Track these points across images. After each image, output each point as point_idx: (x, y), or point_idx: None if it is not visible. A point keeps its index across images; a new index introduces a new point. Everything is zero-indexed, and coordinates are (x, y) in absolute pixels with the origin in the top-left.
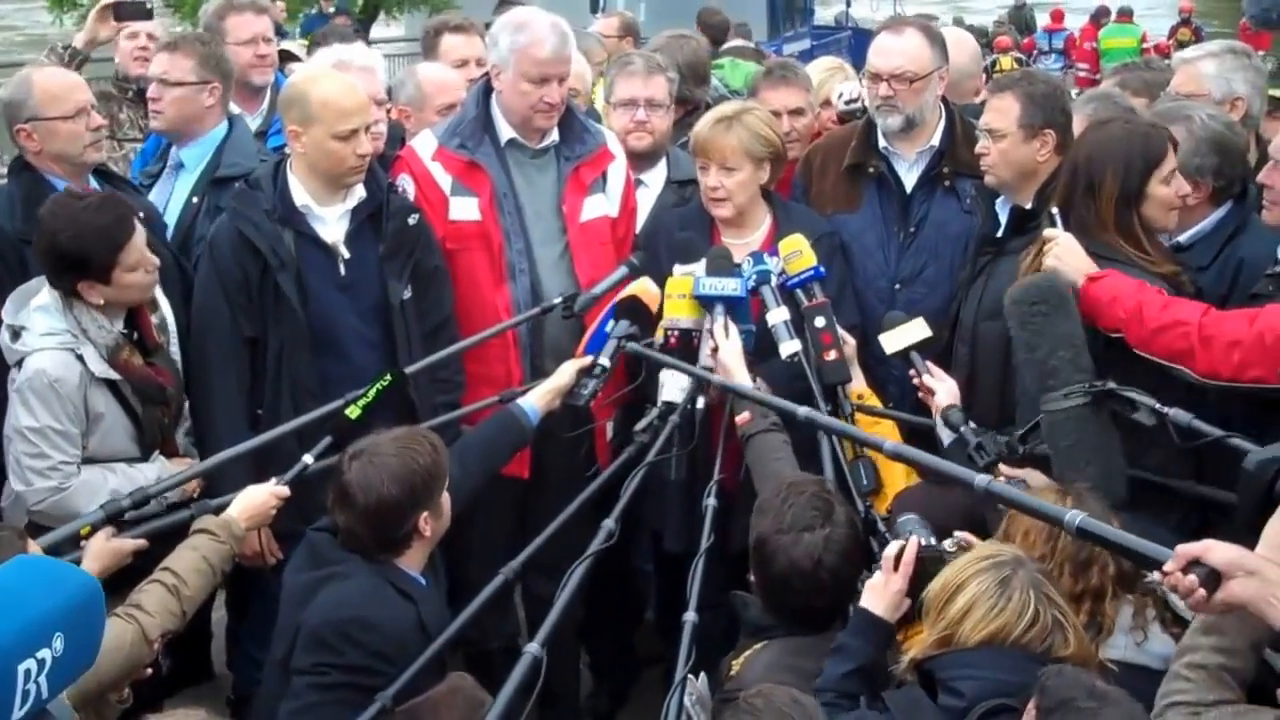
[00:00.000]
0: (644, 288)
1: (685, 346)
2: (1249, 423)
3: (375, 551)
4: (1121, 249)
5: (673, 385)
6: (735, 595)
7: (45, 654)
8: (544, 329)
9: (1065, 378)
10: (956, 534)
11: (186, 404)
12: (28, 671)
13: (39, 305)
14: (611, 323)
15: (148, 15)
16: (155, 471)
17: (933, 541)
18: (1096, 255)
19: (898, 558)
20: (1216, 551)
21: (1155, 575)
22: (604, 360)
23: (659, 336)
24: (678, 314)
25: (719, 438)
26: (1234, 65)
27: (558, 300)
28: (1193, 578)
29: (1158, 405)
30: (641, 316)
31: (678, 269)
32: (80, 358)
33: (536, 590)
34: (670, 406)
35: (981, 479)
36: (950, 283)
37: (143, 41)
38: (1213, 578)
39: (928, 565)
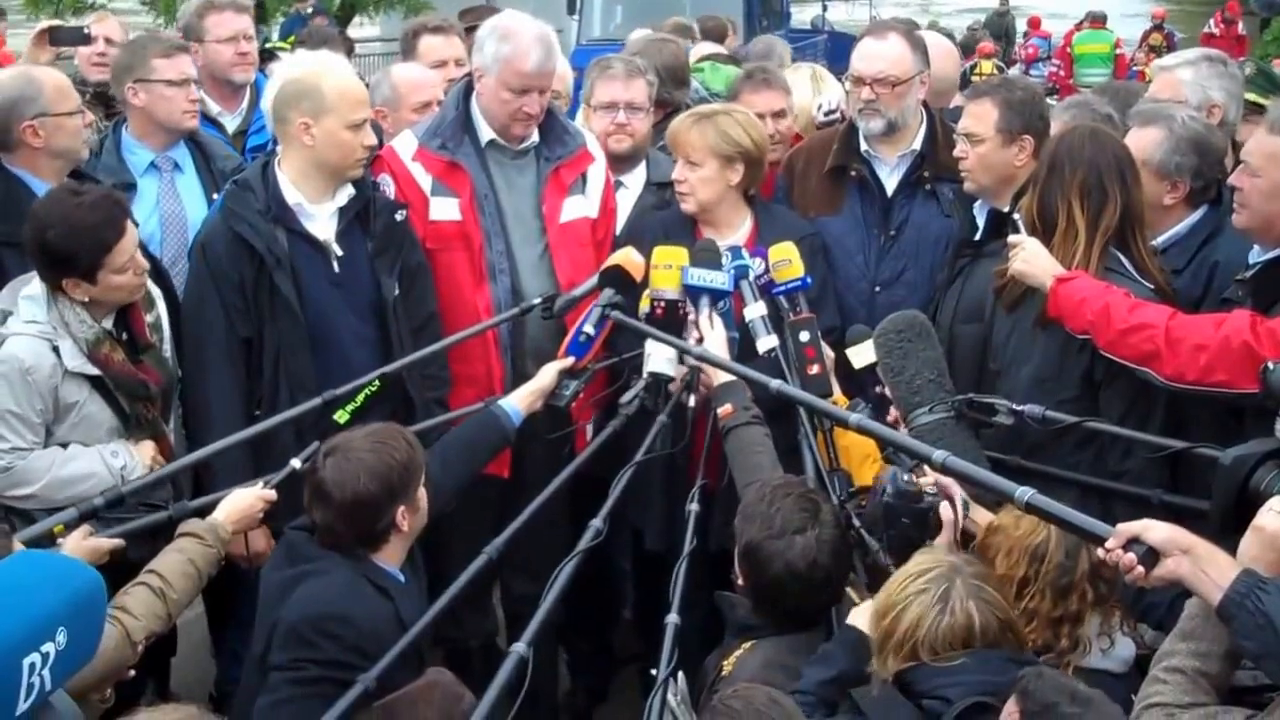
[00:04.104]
0: (628, 257)
1: (670, 317)
2: (1217, 428)
3: (352, 547)
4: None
5: (659, 356)
6: (721, 596)
7: (49, 648)
8: (525, 329)
9: (929, 395)
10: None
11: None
12: (32, 665)
13: (27, 294)
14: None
15: (85, 40)
16: (115, 450)
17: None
18: (1108, 270)
19: None
20: (1154, 530)
21: (1100, 551)
22: (588, 328)
23: (644, 306)
24: (664, 285)
25: (702, 441)
26: (1210, 73)
27: (537, 301)
28: (1132, 555)
29: (1013, 405)
30: (626, 285)
31: None
32: (56, 349)
33: (515, 589)
34: (657, 378)
35: (939, 454)
36: (930, 285)
37: (101, 47)
38: (1150, 555)
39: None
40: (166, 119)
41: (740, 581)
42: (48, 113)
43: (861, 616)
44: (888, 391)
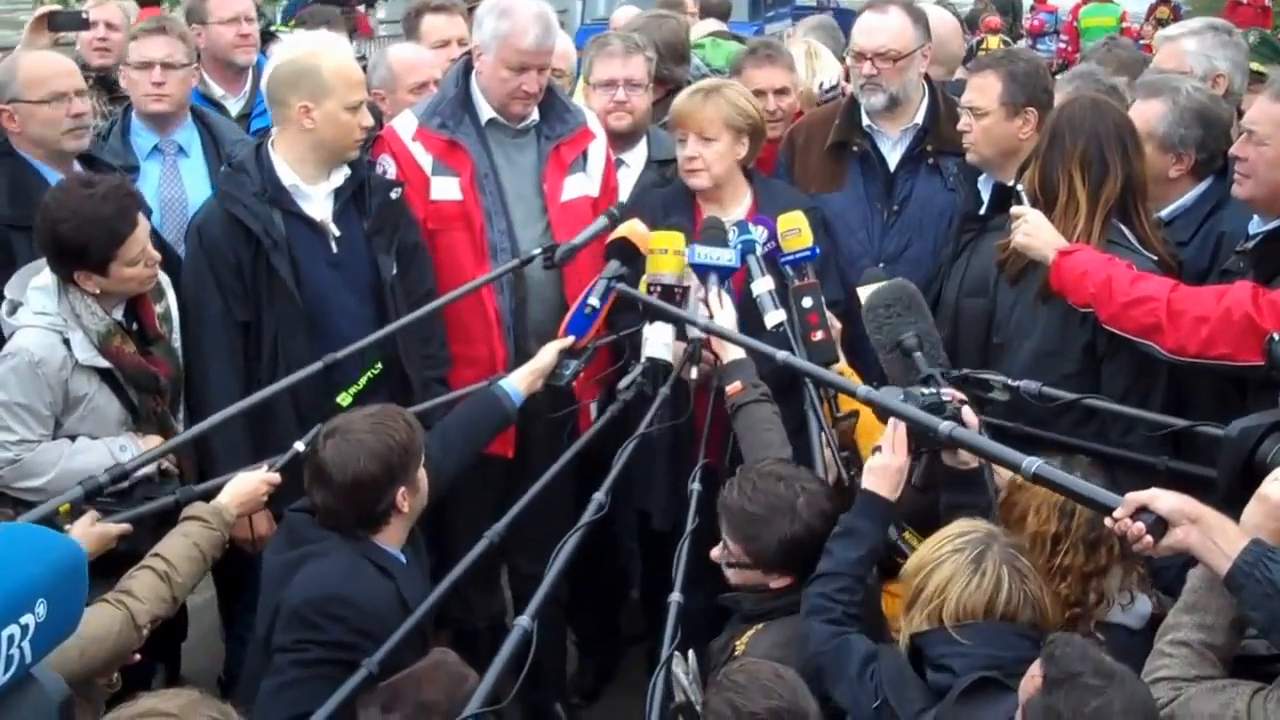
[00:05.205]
0: (633, 228)
1: (667, 302)
2: (1219, 401)
3: (353, 528)
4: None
5: (656, 341)
6: (725, 598)
7: (29, 619)
8: (528, 311)
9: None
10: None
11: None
12: (11, 637)
13: (37, 285)
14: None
15: (84, 25)
16: (123, 445)
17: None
18: (1111, 242)
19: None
20: (1163, 499)
21: (1108, 521)
22: (593, 300)
23: (641, 291)
24: (661, 269)
25: (704, 419)
26: (1215, 42)
27: (538, 251)
28: (1140, 524)
29: (1009, 380)
30: (631, 257)
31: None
32: (66, 342)
33: (522, 569)
34: (654, 363)
35: (946, 425)
36: (934, 260)
37: (101, 32)
38: (1159, 524)
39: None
40: (136, 103)
41: (780, 583)
42: (20, 99)
43: (875, 478)
44: (883, 365)
